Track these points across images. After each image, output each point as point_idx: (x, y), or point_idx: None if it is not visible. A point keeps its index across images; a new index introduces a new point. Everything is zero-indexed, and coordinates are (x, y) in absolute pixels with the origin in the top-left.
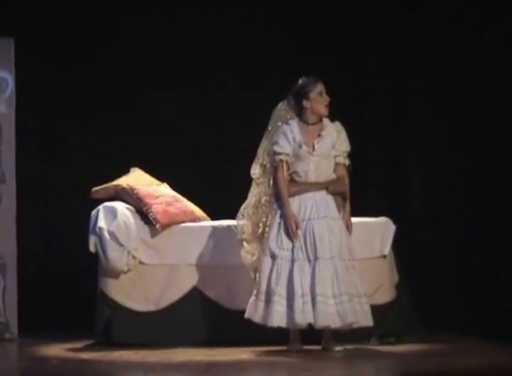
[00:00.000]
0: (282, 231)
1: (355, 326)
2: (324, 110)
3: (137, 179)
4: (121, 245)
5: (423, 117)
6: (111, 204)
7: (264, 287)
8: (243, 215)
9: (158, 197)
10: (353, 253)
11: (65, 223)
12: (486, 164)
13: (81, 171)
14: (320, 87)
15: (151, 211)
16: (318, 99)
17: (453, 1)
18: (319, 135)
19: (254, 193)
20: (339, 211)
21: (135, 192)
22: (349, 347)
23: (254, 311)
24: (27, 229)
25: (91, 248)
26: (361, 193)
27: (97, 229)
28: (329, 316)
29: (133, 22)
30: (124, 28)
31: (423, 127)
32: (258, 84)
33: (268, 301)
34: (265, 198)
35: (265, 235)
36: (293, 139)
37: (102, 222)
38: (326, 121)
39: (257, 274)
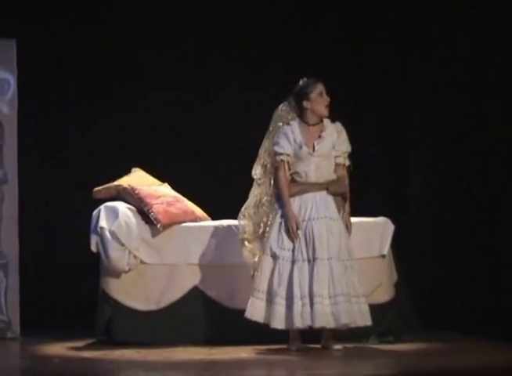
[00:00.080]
0: (282, 231)
1: (352, 325)
2: (324, 111)
3: (138, 180)
4: (122, 245)
5: (423, 117)
6: (112, 204)
7: (265, 286)
8: (244, 215)
9: (159, 197)
10: (352, 253)
11: (66, 223)
12: (486, 164)
13: (82, 172)
14: (320, 87)
15: (152, 211)
16: (318, 100)
17: (453, 1)
18: (320, 136)
19: (255, 194)
20: (339, 211)
21: (136, 192)
22: (348, 346)
23: (255, 311)
24: (28, 229)
25: (93, 248)
26: (361, 193)
27: (98, 229)
28: (325, 317)
29: (133, 22)
30: (125, 28)
31: (423, 127)
32: (258, 84)
33: (271, 301)
34: (265, 198)
35: (266, 235)
36: (294, 139)
37: (103, 222)
38: (326, 121)
39: (256, 273)
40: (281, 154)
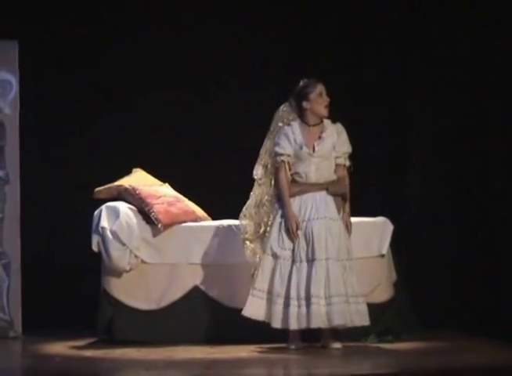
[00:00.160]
0: (283, 231)
1: (350, 325)
2: (324, 111)
3: (139, 180)
4: (123, 244)
5: (423, 117)
6: (114, 204)
7: (265, 286)
8: (245, 215)
9: (160, 197)
10: (351, 253)
11: (68, 223)
12: (486, 164)
13: (83, 172)
14: (320, 88)
15: (153, 211)
16: (317, 100)
17: (453, 1)
18: (320, 137)
19: (256, 194)
20: (339, 211)
21: (137, 192)
22: (348, 345)
23: (253, 309)
24: (30, 229)
25: (94, 248)
26: (361, 193)
27: (100, 229)
28: (321, 317)
29: (133, 22)
30: (125, 28)
31: (423, 127)
32: (258, 84)
33: (272, 301)
34: (266, 198)
35: (267, 235)
36: (295, 140)
37: (104, 222)
38: (327, 122)
39: (256, 272)
40: (281, 155)
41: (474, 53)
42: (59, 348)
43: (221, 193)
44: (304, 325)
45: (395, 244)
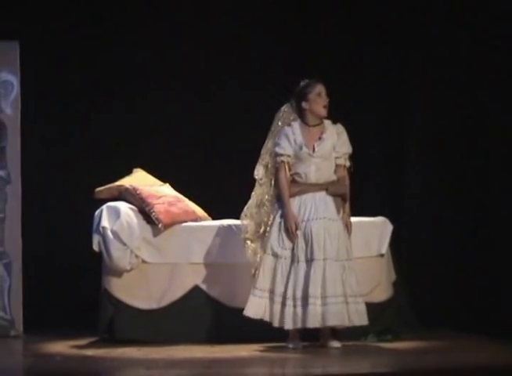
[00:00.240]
0: (283, 231)
1: (349, 325)
2: (322, 111)
3: (140, 180)
4: (124, 244)
5: (423, 117)
6: (114, 204)
7: (266, 285)
8: (246, 215)
9: (160, 197)
10: (351, 253)
11: (69, 223)
12: (486, 164)
13: (84, 172)
14: (319, 88)
15: (153, 211)
16: (316, 100)
17: (453, 1)
18: (320, 138)
19: (257, 194)
20: (338, 212)
21: (138, 192)
22: (347, 344)
23: (255, 309)
24: (31, 229)
25: (95, 247)
26: (360, 193)
27: (100, 229)
28: (316, 317)
29: (133, 22)
30: (125, 28)
31: (423, 127)
32: (258, 84)
33: (273, 300)
34: (266, 198)
35: (267, 234)
36: (295, 140)
37: (105, 222)
38: (327, 122)
39: (257, 271)
40: (281, 155)
41: (474, 53)
42: (60, 347)
43: (221, 193)
44: (299, 325)
45: (395, 243)
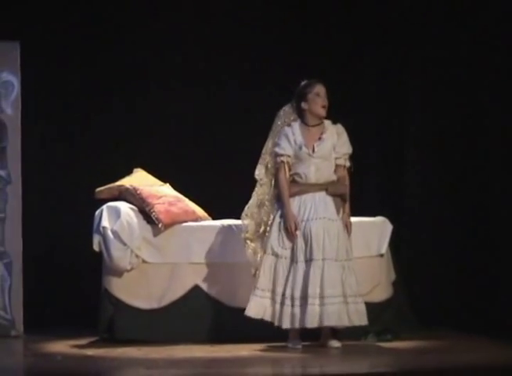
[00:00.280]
0: (282, 231)
1: (348, 325)
2: (321, 111)
3: (140, 180)
4: (124, 244)
5: (423, 117)
6: (115, 204)
7: (267, 285)
8: (246, 215)
9: (161, 197)
10: (351, 253)
11: (69, 223)
12: (486, 164)
13: (85, 172)
14: (318, 88)
15: (154, 211)
16: (315, 100)
17: (453, 2)
18: (320, 138)
19: (258, 194)
20: (338, 212)
21: (138, 192)
22: (347, 344)
23: (256, 309)
24: (32, 229)
25: (95, 247)
26: (360, 192)
27: (101, 229)
28: (315, 317)
29: (133, 22)
30: (125, 28)
31: (423, 127)
32: (258, 84)
33: (275, 300)
34: (267, 198)
35: (267, 234)
36: (295, 140)
37: (105, 222)
38: (327, 123)
39: (258, 271)
40: (281, 155)
41: (474, 53)
42: (61, 346)
43: (221, 193)
44: (297, 325)
45: (395, 243)
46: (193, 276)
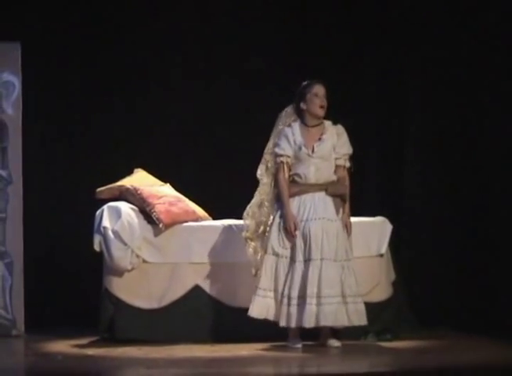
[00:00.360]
0: (282, 231)
1: (348, 325)
2: (319, 111)
3: (140, 180)
4: (125, 244)
5: (423, 117)
6: (115, 204)
7: (269, 285)
8: (248, 214)
9: (161, 197)
10: (350, 254)
11: (70, 223)
12: (486, 164)
13: (85, 172)
14: (316, 88)
15: (154, 211)
16: (313, 100)
17: (453, 2)
18: (320, 138)
19: (260, 193)
20: (338, 212)
21: (139, 192)
22: (347, 343)
23: (259, 309)
24: (33, 229)
25: (96, 247)
26: (360, 193)
27: (102, 229)
28: (312, 317)
29: (133, 22)
30: (125, 28)
31: (422, 127)
32: (258, 84)
33: (277, 299)
34: (267, 198)
35: (267, 234)
36: (294, 141)
37: (106, 222)
38: (327, 123)
39: (259, 271)
40: (281, 156)
41: (474, 53)
42: (61, 346)
43: (221, 193)
44: (293, 324)
45: (395, 243)
46: (194, 276)
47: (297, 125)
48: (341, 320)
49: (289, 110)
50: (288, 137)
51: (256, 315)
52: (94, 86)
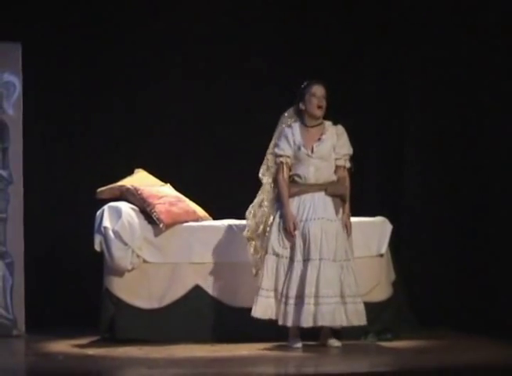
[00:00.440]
0: (282, 231)
1: (347, 325)
2: (317, 111)
3: (141, 180)
4: (126, 244)
5: (423, 117)
6: (116, 205)
7: (270, 285)
8: (250, 213)
9: (161, 197)
10: (350, 254)
11: (71, 223)
12: (486, 164)
13: (86, 172)
14: (315, 88)
15: (155, 211)
16: (310, 100)
17: (453, 2)
18: (319, 139)
19: (262, 193)
20: (337, 212)
21: (139, 192)
22: (347, 343)
23: (262, 309)
24: (33, 229)
25: (97, 247)
26: (360, 193)
27: (102, 229)
28: (310, 317)
29: (133, 22)
30: (125, 28)
31: (422, 127)
32: (258, 84)
33: (277, 299)
34: (267, 198)
35: (267, 234)
36: (294, 141)
37: (107, 222)
38: (328, 123)
39: (260, 272)
40: (281, 156)
41: (474, 53)
42: (62, 346)
43: (221, 193)
44: (289, 323)
45: (395, 243)
46: (194, 276)
47: (297, 126)
48: (339, 320)
49: (291, 110)
50: (288, 137)
51: (259, 315)
52: (94, 86)
